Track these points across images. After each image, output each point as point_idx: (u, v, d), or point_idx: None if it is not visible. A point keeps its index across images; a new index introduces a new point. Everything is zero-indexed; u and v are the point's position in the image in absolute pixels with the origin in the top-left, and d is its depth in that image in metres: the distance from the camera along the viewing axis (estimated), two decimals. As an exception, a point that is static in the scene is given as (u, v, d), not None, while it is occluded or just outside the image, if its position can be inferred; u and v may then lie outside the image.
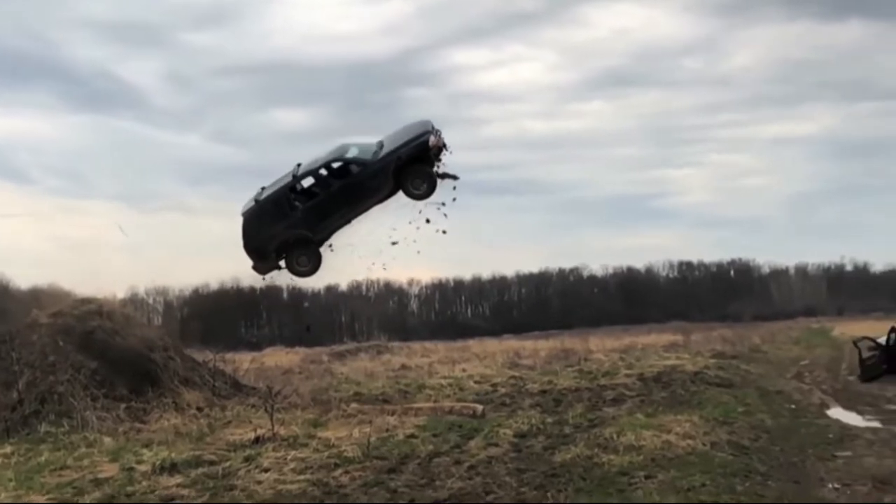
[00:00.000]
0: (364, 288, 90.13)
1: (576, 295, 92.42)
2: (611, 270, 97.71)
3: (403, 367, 28.05)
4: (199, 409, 16.19)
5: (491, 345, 43.04)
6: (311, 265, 18.26)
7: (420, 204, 17.82)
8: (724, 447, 11.73)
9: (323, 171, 18.02)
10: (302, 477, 10.22)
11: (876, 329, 30.17)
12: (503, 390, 19.98)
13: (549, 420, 14.15)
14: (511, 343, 45.60)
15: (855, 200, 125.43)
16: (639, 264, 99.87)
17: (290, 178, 18.15)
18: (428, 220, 18.22)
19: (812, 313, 78.88)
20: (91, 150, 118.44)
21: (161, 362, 17.69)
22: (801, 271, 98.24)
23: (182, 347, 20.37)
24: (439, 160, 18.33)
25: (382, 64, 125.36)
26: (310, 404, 16.77)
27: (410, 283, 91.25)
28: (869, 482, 9.76)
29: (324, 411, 15.49)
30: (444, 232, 18.49)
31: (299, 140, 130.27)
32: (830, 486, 9.73)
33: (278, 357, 35.93)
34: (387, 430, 13.11)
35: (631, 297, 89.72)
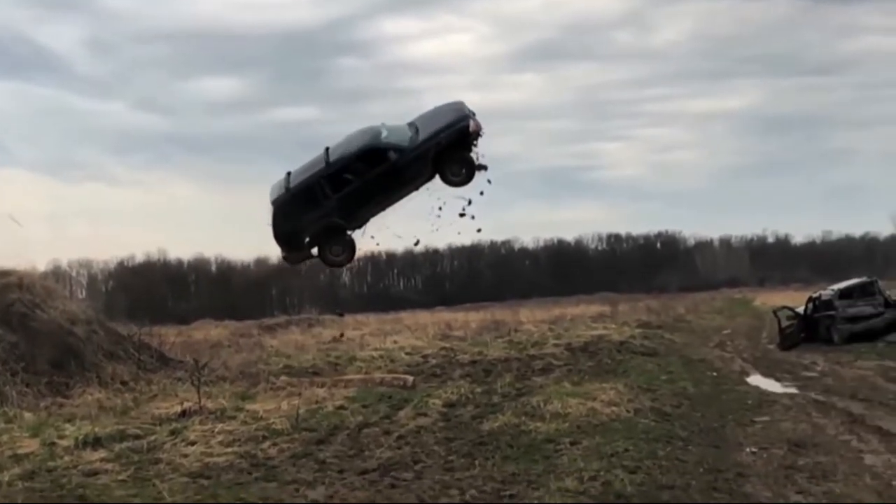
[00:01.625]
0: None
1: (507, 267, 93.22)
2: (542, 243, 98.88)
3: (335, 339, 27.94)
4: (124, 382, 15.90)
5: (423, 317, 43.15)
6: (346, 254, 17.63)
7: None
8: (647, 414, 12.02)
9: (358, 158, 17.19)
10: (229, 450, 10.12)
11: (795, 299, 31.22)
12: (434, 361, 20.11)
13: (479, 390, 14.31)
14: (443, 315, 45.80)
15: (778, 174, 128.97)
16: (569, 237, 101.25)
17: (322, 165, 17.29)
18: (462, 215, 17.89)
19: (735, 284, 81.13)
20: (10, 118, 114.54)
21: (84, 336, 17.27)
22: (726, 243, 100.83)
23: (106, 321, 19.94)
24: (476, 145, 17.69)
25: (312, 32, 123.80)
26: (238, 377, 16.61)
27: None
28: (785, 446, 10.10)
29: (252, 384, 15.37)
30: (472, 217, 18.23)
31: (228, 109, 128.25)
32: (748, 450, 10.04)
33: (207, 330, 35.43)
34: (316, 403, 13.07)
35: (561, 270, 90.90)
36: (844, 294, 24.41)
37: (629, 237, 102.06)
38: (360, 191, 17.12)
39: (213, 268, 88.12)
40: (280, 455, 9.91)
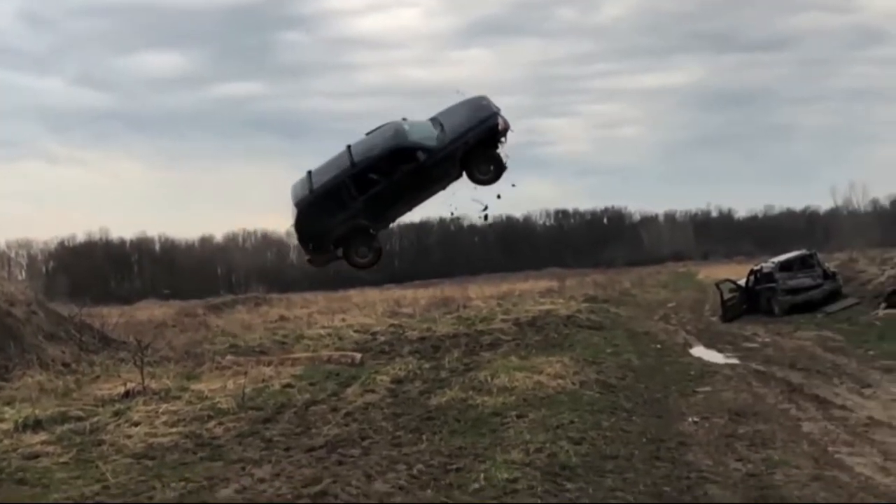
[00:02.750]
0: (241, 239, 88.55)
1: (456, 244, 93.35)
2: (490, 219, 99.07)
3: (282, 318, 27.76)
4: (66, 364, 15.58)
5: (372, 294, 43.02)
6: (373, 256, 17.42)
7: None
8: (592, 386, 12.18)
9: (385, 158, 16.87)
10: (174, 430, 10.01)
11: (737, 272, 31.84)
12: (382, 339, 20.09)
13: (427, 366, 14.35)
14: (392, 292, 45.74)
15: (721, 149, 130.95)
16: (517, 213, 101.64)
17: (347, 165, 16.93)
18: (486, 218, 17.72)
19: (680, 258, 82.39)
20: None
21: (23, 317, 16.87)
22: (670, 218, 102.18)
23: (46, 302, 19.52)
24: (504, 142, 17.52)
25: (256, 6, 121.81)
26: (183, 357, 16.39)
27: (289, 233, 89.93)
28: (726, 415, 10.33)
29: (197, 364, 15.18)
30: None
31: (170, 85, 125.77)
32: (690, 419, 10.25)
33: (151, 311, 34.95)
34: (262, 381, 12.98)
35: (509, 246, 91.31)
36: (785, 266, 24.94)
37: (576, 213, 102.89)
38: (387, 191, 16.85)
39: (157, 247, 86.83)
40: (226, 434, 9.83)
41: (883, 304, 20.93)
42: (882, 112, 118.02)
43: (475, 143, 17.02)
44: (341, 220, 16.71)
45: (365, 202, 16.83)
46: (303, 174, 17.76)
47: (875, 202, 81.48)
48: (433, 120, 18.08)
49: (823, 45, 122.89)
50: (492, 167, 17.25)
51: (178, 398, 11.75)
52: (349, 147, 17.49)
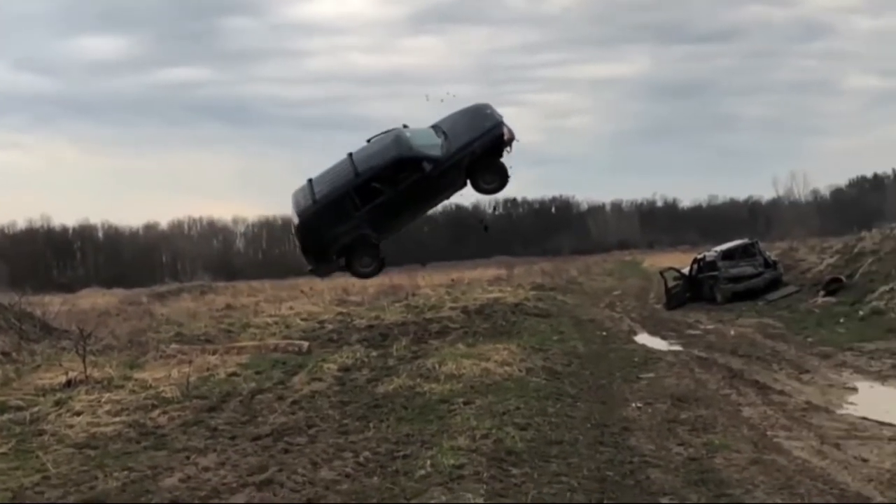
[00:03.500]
0: (186, 227, 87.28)
1: (405, 232, 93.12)
2: (440, 208, 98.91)
3: (228, 306, 27.49)
4: (5, 353, 15.22)
5: (320, 283, 42.74)
6: (375, 265, 17.32)
7: None
8: (538, 373, 12.30)
9: (390, 168, 16.69)
10: (117, 419, 9.85)
11: (681, 260, 32.38)
12: (330, 327, 20.00)
13: (374, 354, 14.32)
14: (341, 280, 45.47)
15: (667, 140, 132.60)
16: (466, 202, 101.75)
17: (350, 175, 16.68)
18: (486, 229, 17.46)
19: (626, 247, 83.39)
20: None
21: (-40, 306, 16.50)
22: (617, 207, 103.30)
23: (-17, 290, 19.08)
24: (509, 152, 17.53)
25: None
26: (127, 346, 16.15)
27: (235, 220, 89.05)
28: (668, 400, 10.51)
29: (141, 353, 14.96)
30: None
31: (113, 69, 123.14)
32: (634, 405, 10.41)
33: (94, 299, 34.38)
34: (208, 370, 12.84)
35: (459, 234, 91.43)
36: (727, 255, 25.42)
37: (525, 202, 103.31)
38: (391, 202, 16.69)
39: (100, 234, 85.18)
40: (170, 423, 9.71)
41: (821, 292, 21.47)
42: (822, 104, 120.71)
43: (481, 153, 17.03)
44: (345, 230, 16.57)
45: (369, 212, 16.72)
46: (299, 182, 17.72)
47: (816, 192, 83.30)
48: (435, 127, 17.99)
49: (767, 38, 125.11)
50: (497, 177, 17.38)
51: (122, 387, 11.56)
52: (350, 155, 17.35)
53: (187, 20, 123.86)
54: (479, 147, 16.96)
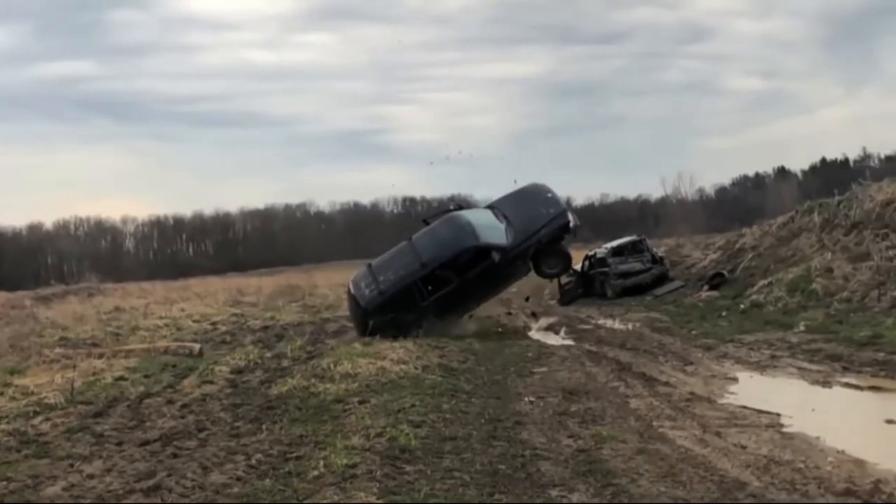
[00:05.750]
0: (72, 226, 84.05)
1: (302, 231, 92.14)
2: (338, 206, 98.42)
3: (117, 309, 26.63)
4: None
5: (214, 283, 41.96)
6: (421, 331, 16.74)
7: None
8: (434, 370, 12.37)
9: (458, 258, 16.75)
10: (-5, 428, 9.45)
11: (574, 257, 33.05)
12: (223, 328, 19.69)
13: (268, 355, 14.15)
14: (235, 281, 44.76)
15: (563, 139, 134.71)
16: (365, 200, 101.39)
17: (416, 265, 16.67)
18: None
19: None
20: None
21: None
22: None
23: None
24: (573, 237, 18.01)
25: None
26: (8, 351, 15.49)
27: (125, 220, 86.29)
28: (560, 394, 10.71)
29: (23, 358, 14.38)
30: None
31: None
32: (527, 399, 10.57)
33: (-28, 303, 32.66)
34: (94, 374, 12.44)
35: (358, 232, 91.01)
36: (616, 252, 26.12)
37: (424, 200, 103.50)
38: (458, 291, 16.65)
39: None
40: (53, 430, 9.37)
41: (705, 287, 22.34)
42: (707, 105, 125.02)
43: (547, 241, 17.36)
44: (410, 319, 16.39)
45: (436, 301, 16.71)
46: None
47: (701, 191, 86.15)
48: (493, 209, 18.12)
49: (655, 40, 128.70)
50: (560, 261, 17.86)
51: (1, 394, 11.12)
52: (411, 239, 17.42)
53: (73, 12, 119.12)
54: (546, 236, 17.34)
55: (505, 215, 17.78)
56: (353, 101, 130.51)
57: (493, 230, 17.35)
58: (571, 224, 17.76)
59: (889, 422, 9.13)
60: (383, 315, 16.52)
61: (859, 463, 7.49)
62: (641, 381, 11.73)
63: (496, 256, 16.77)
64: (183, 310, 23.70)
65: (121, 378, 12.22)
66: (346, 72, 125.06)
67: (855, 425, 9.48)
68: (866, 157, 70.11)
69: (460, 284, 16.79)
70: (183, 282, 44.30)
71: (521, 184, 19.21)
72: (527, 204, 18.06)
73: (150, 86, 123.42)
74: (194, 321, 20.84)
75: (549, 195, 18.27)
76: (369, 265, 17.66)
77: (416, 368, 12.29)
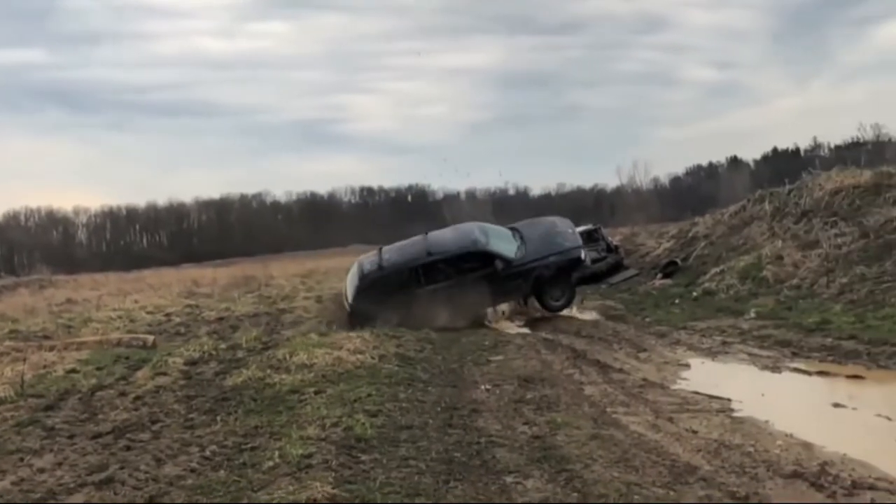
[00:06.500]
0: (23, 217, 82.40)
1: (259, 221, 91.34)
2: (294, 196, 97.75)
3: (69, 301, 26.17)
4: None
5: (168, 275, 41.38)
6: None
7: None
8: (391, 360, 12.34)
9: (463, 257, 17.08)
10: (-59, 423, 9.26)
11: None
12: (178, 320, 19.46)
13: (223, 346, 13.98)
14: (190, 272, 44.20)
15: (518, 129, 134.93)
16: (322, 190, 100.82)
17: (423, 252, 17.08)
18: None
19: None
20: None
21: None
22: (471, 195, 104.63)
23: None
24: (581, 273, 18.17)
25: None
26: (-45, 346, 15.15)
27: (77, 211, 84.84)
28: (515, 381, 10.79)
29: (-29, 352, 14.07)
30: None
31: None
32: (483, 387, 10.63)
33: (-82, 296, 31.89)
34: (44, 367, 12.22)
35: (315, 223, 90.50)
36: (573, 241, 26.23)
37: (381, 190, 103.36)
38: (454, 288, 16.79)
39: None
40: (3, 424, 9.22)
41: (659, 275, 22.59)
42: (662, 95, 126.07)
43: (555, 270, 17.57)
44: (398, 302, 16.52)
45: (429, 293, 16.82)
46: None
47: (656, 180, 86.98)
48: (513, 229, 18.61)
49: (611, 30, 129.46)
50: (564, 293, 17.86)
51: (-53, 389, 10.86)
52: (426, 235, 17.91)
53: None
54: (554, 264, 17.60)
55: (522, 236, 18.42)
56: (310, 90, 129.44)
57: (504, 243, 17.99)
58: (582, 257, 18.30)
59: (836, 405, 9.36)
60: (375, 291, 16.90)
61: (807, 446, 7.66)
62: (596, 368, 11.86)
63: (499, 265, 17.22)
64: (136, 301, 23.37)
65: (72, 371, 12.02)
66: (302, 61, 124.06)
67: (803, 409, 9.69)
68: (817, 146, 71.41)
69: (458, 283, 17.08)
70: (137, 273, 43.62)
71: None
72: (546, 232, 18.74)
73: (102, 74, 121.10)
74: (148, 313, 20.54)
75: (570, 231, 19.02)
76: (380, 248, 18.28)
77: (372, 358, 12.25)
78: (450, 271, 17.24)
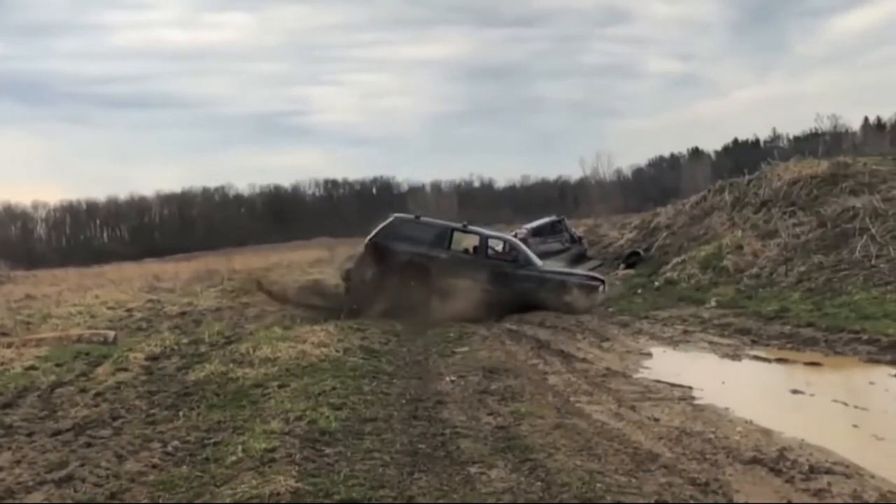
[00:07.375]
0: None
1: (221, 214, 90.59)
2: (258, 189, 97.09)
3: (28, 297, 25.78)
4: None
5: (129, 269, 40.98)
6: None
7: None
8: (356, 352, 12.34)
9: (491, 245, 18.19)
10: None
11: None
12: (139, 315, 19.25)
13: (185, 341, 13.88)
14: (151, 267, 43.79)
15: (483, 121, 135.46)
16: (286, 182, 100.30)
17: (459, 225, 18.34)
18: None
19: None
20: None
21: None
22: (436, 188, 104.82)
23: None
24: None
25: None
26: None
27: (36, 206, 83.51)
28: (480, 372, 10.83)
29: (-74, 350, 13.79)
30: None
31: None
32: (448, 378, 10.66)
33: None
34: (2, 364, 12.01)
35: (278, 216, 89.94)
36: (536, 232, 26.48)
37: (346, 182, 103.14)
38: (468, 264, 17.71)
39: None
40: (-40, 423, 9.04)
41: (622, 265, 22.82)
42: (625, 87, 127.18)
43: (568, 287, 18.08)
44: (416, 251, 17.62)
45: (445, 260, 17.62)
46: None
47: (619, 172, 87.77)
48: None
49: (574, 23, 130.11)
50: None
51: None
52: (465, 224, 19.00)
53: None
54: (570, 282, 18.26)
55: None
56: (272, 81, 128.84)
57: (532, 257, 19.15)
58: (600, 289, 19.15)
59: (794, 392, 9.51)
60: (405, 233, 18.16)
61: (766, 432, 7.77)
62: (559, 358, 11.94)
63: (514, 266, 18.06)
64: (97, 297, 23.08)
65: (31, 367, 11.83)
66: (263, 52, 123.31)
67: (762, 396, 9.83)
68: (776, 137, 72.56)
69: (472, 260, 18.03)
70: (97, 268, 43.11)
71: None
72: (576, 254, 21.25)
73: (59, 66, 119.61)
74: (109, 308, 20.31)
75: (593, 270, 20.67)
76: (418, 216, 19.73)
77: (337, 351, 12.23)
78: (471, 249, 18.81)
